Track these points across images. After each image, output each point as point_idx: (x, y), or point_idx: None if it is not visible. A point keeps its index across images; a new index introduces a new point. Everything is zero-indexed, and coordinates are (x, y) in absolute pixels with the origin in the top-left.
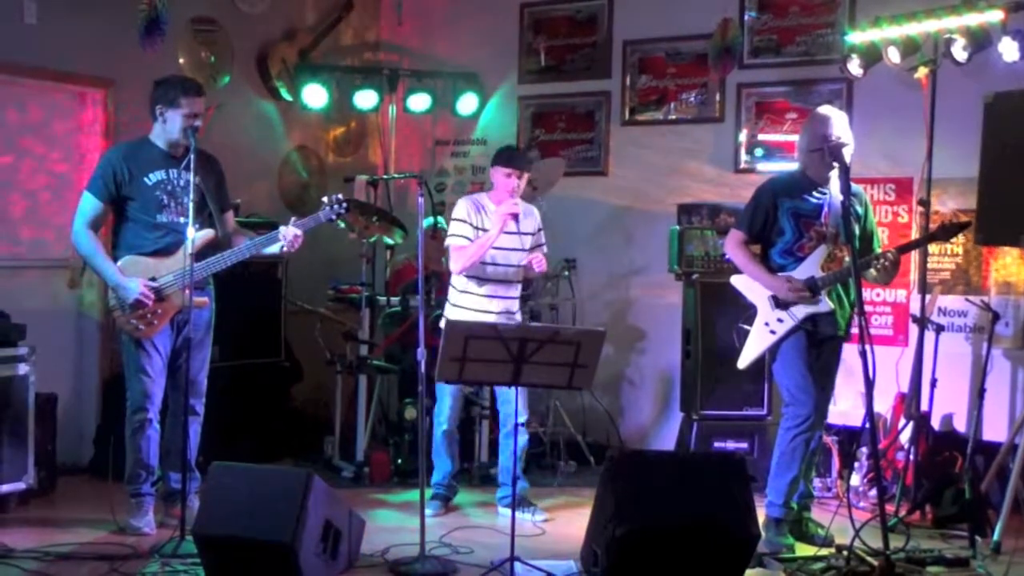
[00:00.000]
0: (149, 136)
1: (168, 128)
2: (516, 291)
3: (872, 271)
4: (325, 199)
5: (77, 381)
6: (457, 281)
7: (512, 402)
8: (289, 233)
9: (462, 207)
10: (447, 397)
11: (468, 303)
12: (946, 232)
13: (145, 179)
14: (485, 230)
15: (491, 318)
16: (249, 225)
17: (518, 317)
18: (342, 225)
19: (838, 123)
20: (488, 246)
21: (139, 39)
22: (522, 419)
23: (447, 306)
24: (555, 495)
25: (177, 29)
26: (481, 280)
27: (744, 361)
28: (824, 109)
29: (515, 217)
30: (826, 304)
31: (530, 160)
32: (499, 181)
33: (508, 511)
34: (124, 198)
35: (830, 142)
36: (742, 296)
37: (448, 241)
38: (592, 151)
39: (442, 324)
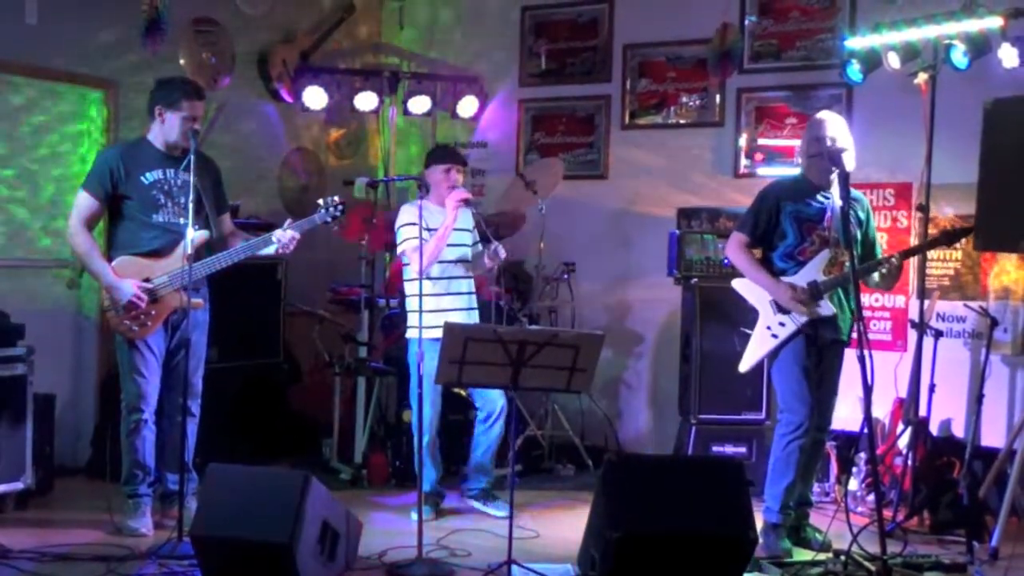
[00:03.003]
0: (147, 136)
1: (167, 129)
2: (470, 285)
3: (875, 276)
4: (321, 201)
5: (75, 381)
6: (411, 287)
7: (490, 397)
8: (285, 236)
9: (408, 212)
10: (428, 407)
11: (429, 305)
12: (948, 237)
13: (142, 178)
14: (432, 229)
15: (456, 316)
16: (248, 227)
17: (476, 314)
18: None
19: (832, 126)
20: (446, 237)
21: (140, 40)
22: (497, 407)
23: (409, 316)
24: (553, 498)
25: (178, 30)
26: (437, 279)
27: (745, 365)
28: (821, 114)
29: (466, 202)
30: (828, 308)
31: (464, 155)
32: (438, 178)
33: (473, 503)
34: (120, 197)
35: (829, 147)
36: (743, 300)
37: (403, 246)
38: (592, 155)
39: (410, 335)
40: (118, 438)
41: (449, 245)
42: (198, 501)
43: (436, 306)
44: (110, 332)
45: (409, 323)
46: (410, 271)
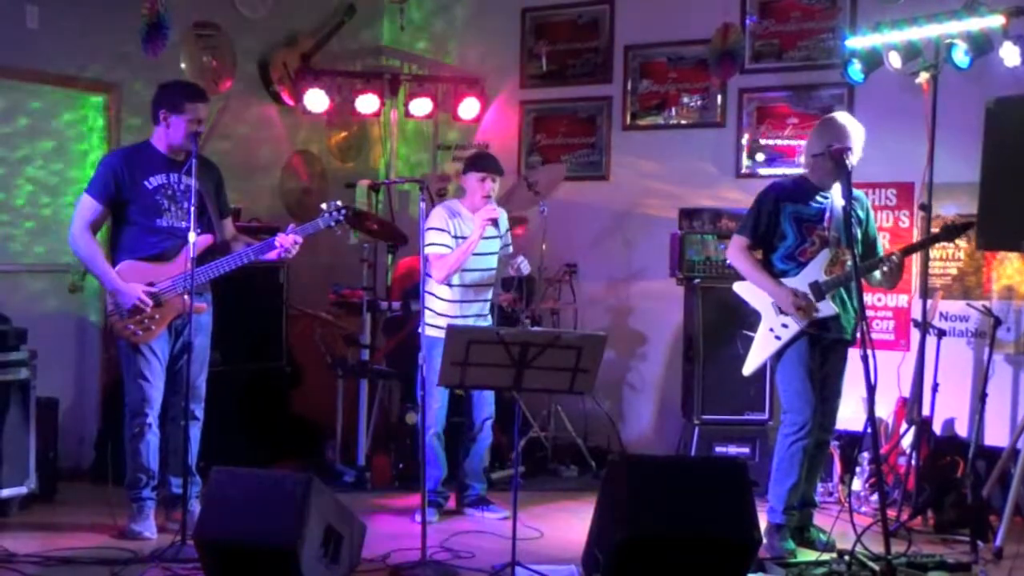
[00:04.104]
0: (150, 140)
1: (171, 133)
2: (489, 294)
3: (876, 274)
4: (324, 206)
5: (78, 385)
6: (433, 288)
7: (482, 404)
8: (287, 240)
9: (438, 215)
10: (434, 401)
11: (443, 309)
12: (949, 233)
13: (146, 183)
14: (461, 237)
15: (469, 321)
16: (250, 230)
17: (488, 320)
18: (340, 233)
19: (855, 135)
20: (469, 252)
21: (141, 44)
22: (487, 415)
23: (425, 314)
24: (556, 499)
25: (179, 34)
26: (456, 286)
27: (749, 368)
28: (842, 117)
29: (494, 222)
30: (830, 308)
31: (500, 165)
32: (473, 186)
33: (471, 511)
34: (124, 201)
35: (832, 148)
36: (745, 303)
37: (428, 250)
38: (593, 156)
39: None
40: (121, 442)
41: (475, 254)
42: (201, 504)
43: (454, 311)
44: (113, 336)
45: (428, 322)
46: (432, 273)
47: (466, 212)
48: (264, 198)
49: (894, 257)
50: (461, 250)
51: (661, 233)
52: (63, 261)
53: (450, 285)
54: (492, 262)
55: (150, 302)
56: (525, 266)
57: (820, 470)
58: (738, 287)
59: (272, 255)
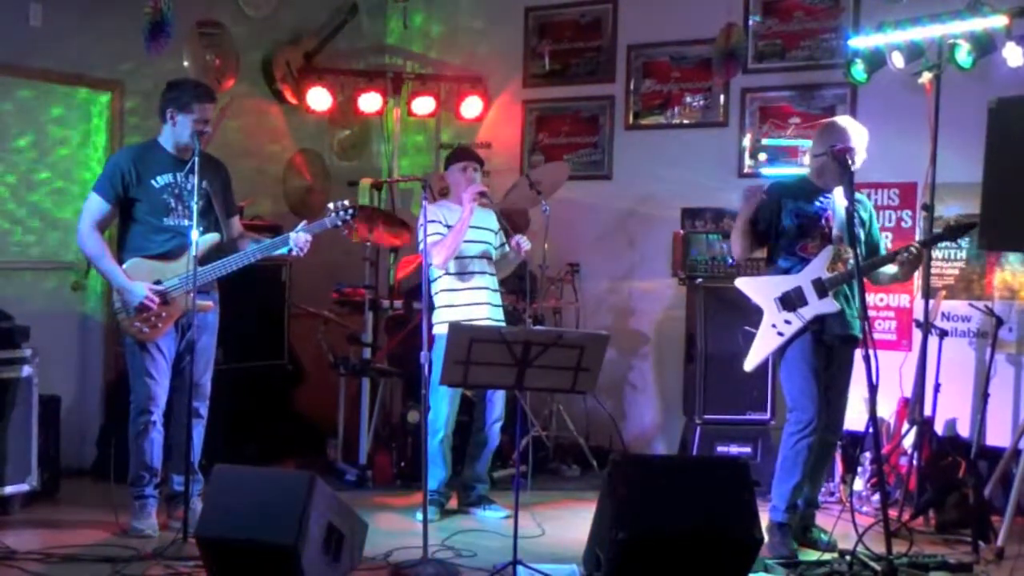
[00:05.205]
0: (157, 139)
1: (178, 131)
2: (493, 282)
3: (888, 271)
4: (331, 205)
5: (81, 383)
6: (440, 284)
7: (495, 404)
8: (301, 239)
9: (431, 211)
10: (444, 405)
11: (456, 300)
12: (952, 232)
13: (153, 181)
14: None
15: (483, 310)
16: (252, 228)
17: (500, 313)
18: (346, 233)
19: (856, 138)
20: (464, 230)
21: (144, 42)
22: (497, 417)
23: (436, 311)
24: (558, 499)
25: (183, 32)
26: (461, 274)
27: (750, 364)
28: (843, 120)
29: (482, 194)
30: (832, 304)
31: (480, 156)
32: (456, 178)
33: (473, 509)
34: (131, 200)
35: (835, 148)
36: (748, 299)
37: (424, 243)
38: (596, 155)
39: (437, 331)
40: (124, 439)
41: (469, 241)
42: (203, 502)
43: (457, 301)
44: (115, 334)
45: (435, 319)
46: (433, 270)
47: (454, 206)
48: (267, 196)
49: (912, 247)
50: (455, 229)
51: (663, 232)
52: (66, 259)
53: (460, 276)
54: (486, 249)
55: (157, 300)
56: (525, 242)
57: (825, 472)
58: (740, 283)
59: (283, 252)
